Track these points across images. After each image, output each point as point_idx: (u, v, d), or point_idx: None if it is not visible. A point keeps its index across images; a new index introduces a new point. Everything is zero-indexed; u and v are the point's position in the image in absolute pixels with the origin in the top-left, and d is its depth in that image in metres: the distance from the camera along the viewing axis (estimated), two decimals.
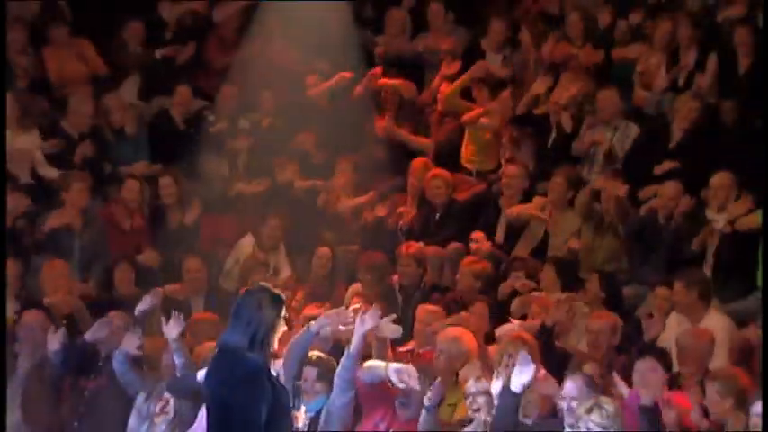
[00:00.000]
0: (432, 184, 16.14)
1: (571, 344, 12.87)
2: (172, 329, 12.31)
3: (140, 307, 13.36)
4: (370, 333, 11.51)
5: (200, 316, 13.91)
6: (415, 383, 11.16)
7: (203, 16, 19.45)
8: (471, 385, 11.04)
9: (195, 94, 18.03)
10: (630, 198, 14.59)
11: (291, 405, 9.98)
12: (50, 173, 16.53)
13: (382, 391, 11.58)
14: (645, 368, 11.10)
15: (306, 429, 11.51)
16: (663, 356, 11.52)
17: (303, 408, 9.38)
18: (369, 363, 11.64)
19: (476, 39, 18.23)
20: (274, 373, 9.68)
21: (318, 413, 11.52)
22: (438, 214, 15.98)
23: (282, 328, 8.61)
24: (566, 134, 15.96)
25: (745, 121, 14.92)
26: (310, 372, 11.61)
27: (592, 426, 9.93)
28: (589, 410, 9.97)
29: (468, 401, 11.11)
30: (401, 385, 11.21)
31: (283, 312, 8.63)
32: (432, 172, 16.07)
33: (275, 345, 8.59)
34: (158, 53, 18.60)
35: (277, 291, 9.13)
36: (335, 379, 11.39)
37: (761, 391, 9.15)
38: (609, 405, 10.07)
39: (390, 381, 11.24)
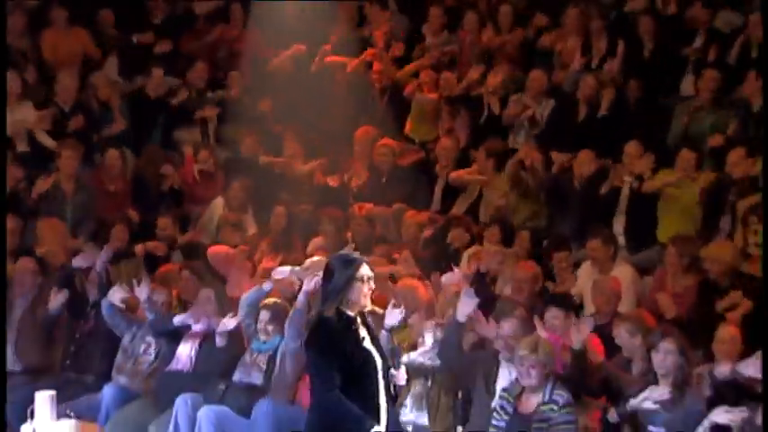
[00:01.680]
0: (379, 152, 15.97)
1: (500, 289, 12.64)
2: (141, 292, 12.46)
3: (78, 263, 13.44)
4: None
5: (167, 268, 13.82)
6: None
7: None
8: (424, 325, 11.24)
9: (168, 72, 17.77)
10: (549, 165, 14.58)
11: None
12: (48, 142, 16.40)
13: None
14: (551, 316, 11.23)
15: (265, 367, 11.78)
16: (567, 304, 11.68)
17: (403, 368, 8.55)
18: None
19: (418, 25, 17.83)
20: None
21: (275, 352, 11.72)
22: (384, 178, 15.76)
23: (364, 285, 8.31)
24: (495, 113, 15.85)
25: (648, 98, 15.03)
26: (264, 315, 11.82)
27: (531, 360, 10.05)
28: (532, 347, 10.14)
29: (419, 339, 11.30)
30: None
31: (360, 272, 8.37)
32: (380, 141, 15.87)
33: (362, 301, 8.31)
34: (135, 38, 18.46)
35: (349, 253, 9.34)
36: (286, 327, 11.61)
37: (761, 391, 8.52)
38: (546, 344, 10.26)
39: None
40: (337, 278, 8.37)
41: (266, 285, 12.07)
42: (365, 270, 8.28)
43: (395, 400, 8.56)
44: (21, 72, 17.33)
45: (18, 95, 16.85)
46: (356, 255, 9.03)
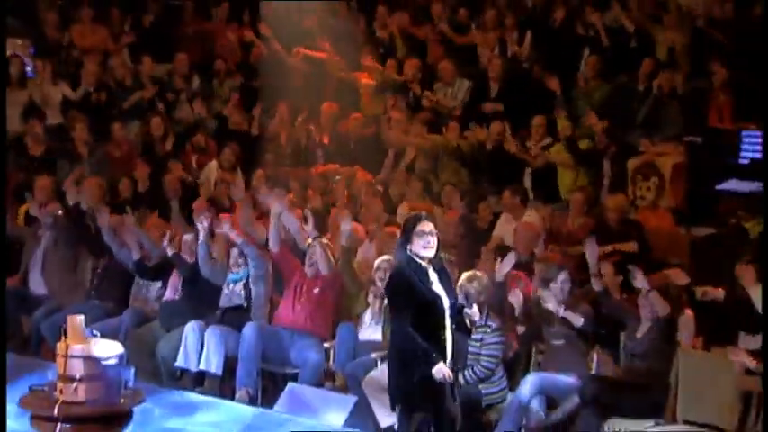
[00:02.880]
0: (351, 124, 15.51)
1: None
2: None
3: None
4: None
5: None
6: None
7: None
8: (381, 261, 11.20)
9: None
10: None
11: None
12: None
13: (292, 260, 11.77)
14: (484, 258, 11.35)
15: (244, 293, 11.90)
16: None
17: (476, 306, 8.26)
18: None
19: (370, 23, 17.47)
20: None
21: (247, 280, 11.83)
22: (352, 144, 15.34)
23: (422, 238, 8.06)
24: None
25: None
26: (233, 252, 11.94)
27: (471, 290, 10.02)
28: (470, 279, 10.18)
29: (375, 272, 11.23)
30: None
31: (418, 227, 8.15)
32: (351, 116, 15.63)
33: (422, 252, 8.04)
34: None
35: (415, 213, 9.02)
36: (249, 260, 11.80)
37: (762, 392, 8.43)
38: (483, 277, 10.32)
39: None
40: (404, 233, 8.30)
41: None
42: (422, 226, 8.10)
43: (469, 333, 8.48)
44: (56, 57, 17.36)
45: (50, 77, 16.88)
46: (417, 212, 8.87)
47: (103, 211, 12.75)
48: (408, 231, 8.16)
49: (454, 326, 8.07)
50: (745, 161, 12.60)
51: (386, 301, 10.98)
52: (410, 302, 8.01)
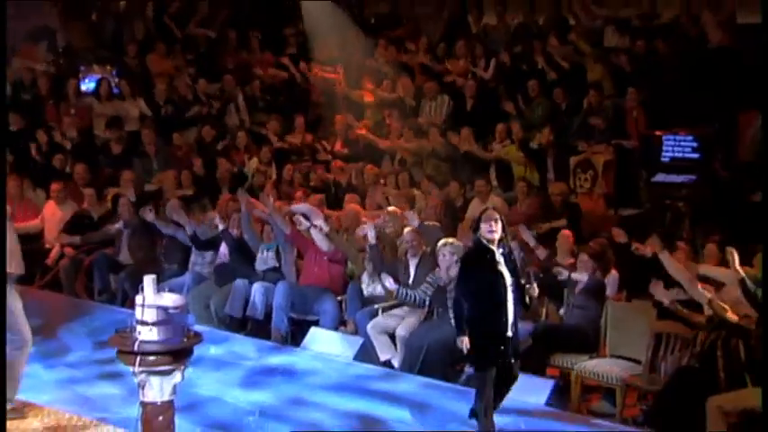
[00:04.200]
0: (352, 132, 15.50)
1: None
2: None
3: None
4: None
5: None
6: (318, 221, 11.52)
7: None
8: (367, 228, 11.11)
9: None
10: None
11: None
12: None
13: (303, 238, 11.71)
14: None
15: (275, 258, 11.93)
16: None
17: (535, 284, 7.99)
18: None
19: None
20: None
21: (277, 248, 11.87)
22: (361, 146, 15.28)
23: (486, 224, 7.80)
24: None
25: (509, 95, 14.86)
26: (266, 228, 11.95)
27: (445, 252, 10.11)
28: (444, 244, 10.19)
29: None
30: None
31: (484, 215, 7.93)
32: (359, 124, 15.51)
33: (487, 236, 7.76)
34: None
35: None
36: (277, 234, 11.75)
37: (761, 392, 8.01)
38: (456, 243, 10.30)
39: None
40: (475, 221, 8.12)
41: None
42: (487, 215, 7.87)
43: (528, 308, 8.21)
44: (134, 80, 17.42)
45: (129, 94, 16.91)
46: (486, 206, 8.77)
47: (173, 199, 12.91)
48: (477, 220, 7.97)
49: (515, 300, 7.82)
50: (667, 159, 12.59)
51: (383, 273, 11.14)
52: (476, 277, 7.88)
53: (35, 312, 9.12)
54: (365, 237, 11.29)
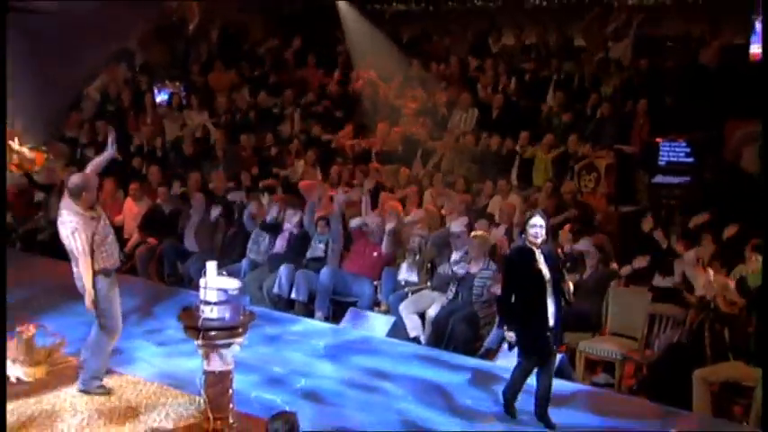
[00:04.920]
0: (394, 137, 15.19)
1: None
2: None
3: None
4: None
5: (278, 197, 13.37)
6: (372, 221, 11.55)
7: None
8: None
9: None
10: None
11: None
12: (213, 130, 16.29)
13: (360, 233, 11.74)
14: (482, 224, 11.12)
15: (324, 248, 11.87)
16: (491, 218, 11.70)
17: (570, 283, 7.96)
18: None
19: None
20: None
21: (327, 241, 11.78)
22: (400, 149, 14.89)
23: (531, 229, 7.81)
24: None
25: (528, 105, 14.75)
26: (320, 222, 11.87)
27: (474, 243, 10.26)
28: (473, 237, 10.34)
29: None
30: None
31: (530, 221, 7.89)
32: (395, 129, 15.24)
33: (531, 239, 7.81)
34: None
35: (531, 211, 8.64)
36: (332, 227, 11.74)
37: (761, 391, 7.86)
38: (482, 236, 10.41)
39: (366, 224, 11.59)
40: (522, 225, 8.21)
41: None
42: (533, 220, 7.87)
43: (568, 303, 8.02)
44: (199, 93, 17.52)
45: (195, 106, 17.02)
46: (532, 211, 8.57)
47: (243, 194, 12.85)
48: (525, 224, 7.95)
49: (555, 294, 7.81)
50: (664, 163, 12.53)
51: (417, 256, 11.20)
52: (519, 275, 7.86)
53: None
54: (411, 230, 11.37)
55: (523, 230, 7.98)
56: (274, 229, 12.47)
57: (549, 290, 7.78)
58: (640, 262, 9.89)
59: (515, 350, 8.01)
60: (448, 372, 9.32)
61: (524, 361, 7.92)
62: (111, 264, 8.26)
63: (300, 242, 12.18)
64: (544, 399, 7.95)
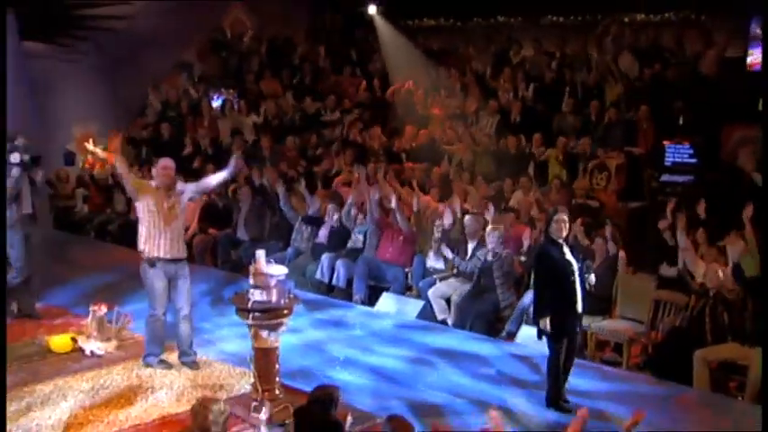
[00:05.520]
0: (420, 139, 15.01)
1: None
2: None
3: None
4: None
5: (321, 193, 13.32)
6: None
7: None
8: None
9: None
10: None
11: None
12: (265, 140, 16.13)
13: (386, 221, 11.69)
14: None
15: (363, 239, 11.83)
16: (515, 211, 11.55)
17: (593, 274, 7.84)
18: None
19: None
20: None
21: (365, 232, 11.74)
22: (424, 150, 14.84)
23: (556, 224, 7.73)
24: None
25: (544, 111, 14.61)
26: (358, 215, 11.90)
27: (494, 236, 10.19)
28: (493, 229, 10.30)
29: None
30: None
31: (554, 216, 7.79)
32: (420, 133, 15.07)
33: (556, 233, 7.71)
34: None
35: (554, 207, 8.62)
36: (368, 219, 11.67)
37: (761, 390, 7.72)
38: (501, 228, 10.35)
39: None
40: (547, 220, 8.02)
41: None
42: (557, 216, 7.78)
43: (589, 293, 7.92)
44: (250, 99, 17.54)
45: (246, 111, 17.06)
46: (555, 207, 8.56)
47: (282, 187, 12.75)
48: (549, 219, 7.87)
49: (581, 282, 7.71)
50: (669, 163, 12.44)
51: (441, 245, 11.04)
52: (549, 267, 7.76)
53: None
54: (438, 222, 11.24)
55: (548, 224, 7.88)
56: (316, 221, 12.46)
57: (577, 278, 7.72)
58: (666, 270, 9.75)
59: (532, 332, 8.00)
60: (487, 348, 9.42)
61: (557, 347, 7.80)
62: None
63: (340, 234, 12.17)
64: (563, 379, 7.90)
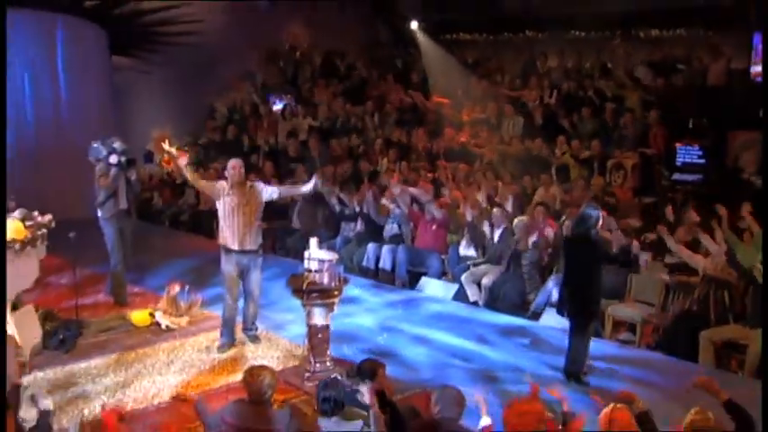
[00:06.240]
0: (449, 141, 15.11)
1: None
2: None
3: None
4: None
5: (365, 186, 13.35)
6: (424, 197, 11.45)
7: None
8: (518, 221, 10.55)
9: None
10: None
11: None
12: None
13: (417, 213, 11.75)
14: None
15: (398, 229, 11.85)
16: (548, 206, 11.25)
17: None
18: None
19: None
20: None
21: (400, 222, 11.77)
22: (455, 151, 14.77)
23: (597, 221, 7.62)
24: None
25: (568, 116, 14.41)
26: (392, 207, 11.84)
27: (519, 226, 10.22)
28: (519, 221, 10.30)
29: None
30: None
31: (584, 211, 7.71)
32: (450, 136, 15.14)
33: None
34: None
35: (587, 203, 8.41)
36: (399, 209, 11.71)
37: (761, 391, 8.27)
38: (525, 219, 10.33)
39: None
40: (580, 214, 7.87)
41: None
42: (587, 210, 7.74)
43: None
44: (305, 104, 17.56)
45: (302, 115, 17.13)
46: (588, 203, 8.40)
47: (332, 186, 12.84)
48: (580, 213, 7.82)
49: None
50: (680, 163, 12.32)
51: (472, 234, 11.08)
52: (578, 253, 7.71)
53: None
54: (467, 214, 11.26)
55: (580, 219, 7.77)
56: (361, 213, 12.51)
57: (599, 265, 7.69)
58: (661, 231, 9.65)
59: (552, 311, 7.98)
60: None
61: (585, 327, 7.75)
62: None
63: (375, 225, 12.23)
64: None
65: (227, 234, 8.20)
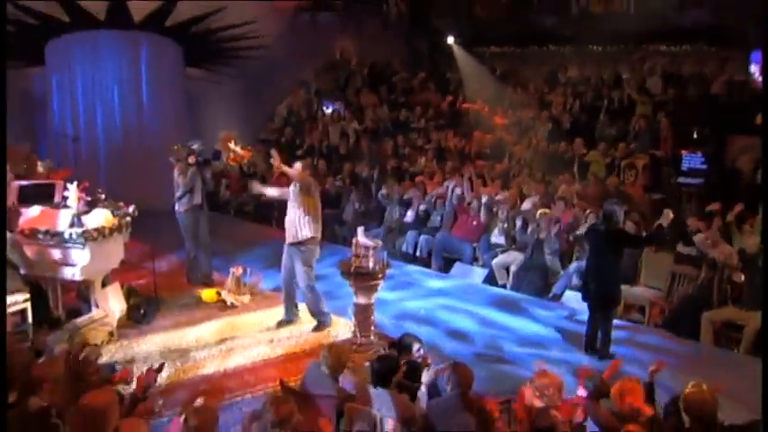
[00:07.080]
0: (482, 142, 14.86)
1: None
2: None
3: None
4: None
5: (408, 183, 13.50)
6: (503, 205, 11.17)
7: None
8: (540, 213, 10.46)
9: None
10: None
11: None
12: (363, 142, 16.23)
13: (463, 207, 11.66)
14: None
15: (439, 221, 11.79)
16: (567, 200, 11.18)
17: None
18: None
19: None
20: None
21: (442, 214, 11.71)
22: (488, 151, 14.73)
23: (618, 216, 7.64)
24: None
25: (588, 122, 14.23)
26: (438, 201, 11.87)
27: (544, 218, 10.11)
28: (543, 213, 10.20)
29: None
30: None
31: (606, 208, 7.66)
32: (480, 137, 14.82)
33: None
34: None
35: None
36: (447, 204, 11.63)
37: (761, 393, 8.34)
38: (550, 211, 10.25)
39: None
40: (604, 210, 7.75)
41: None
42: (610, 207, 7.68)
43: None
44: (351, 108, 17.53)
45: (349, 118, 17.15)
46: (610, 200, 8.23)
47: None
48: (604, 209, 7.71)
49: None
50: (686, 168, 12.16)
51: (505, 225, 10.99)
52: (601, 242, 7.66)
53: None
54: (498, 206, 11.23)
55: (606, 214, 7.67)
56: (404, 206, 12.49)
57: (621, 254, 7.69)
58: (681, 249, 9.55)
59: (572, 295, 7.97)
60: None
61: (610, 312, 7.78)
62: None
63: (423, 215, 12.19)
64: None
65: (285, 226, 8.21)
